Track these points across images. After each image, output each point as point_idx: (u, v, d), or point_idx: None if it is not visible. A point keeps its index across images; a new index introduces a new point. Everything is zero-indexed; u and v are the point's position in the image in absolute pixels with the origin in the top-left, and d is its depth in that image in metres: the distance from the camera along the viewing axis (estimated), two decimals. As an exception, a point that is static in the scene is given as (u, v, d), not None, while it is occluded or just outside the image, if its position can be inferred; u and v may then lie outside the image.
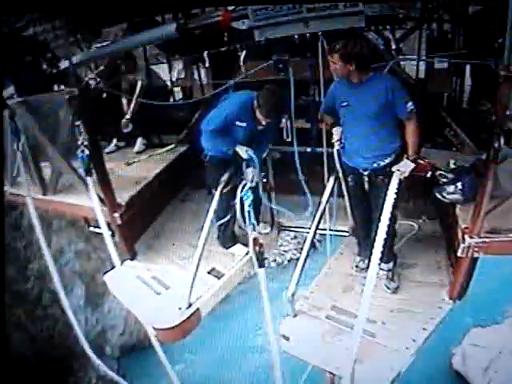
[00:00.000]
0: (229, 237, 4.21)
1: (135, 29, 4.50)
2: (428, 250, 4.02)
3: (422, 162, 3.28)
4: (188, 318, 3.65)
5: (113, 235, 4.19)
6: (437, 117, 4.44)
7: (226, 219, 4.04)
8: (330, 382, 3.62)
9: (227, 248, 4.22)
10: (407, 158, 3.24)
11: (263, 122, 3.71)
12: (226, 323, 9.07)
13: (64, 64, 4.46)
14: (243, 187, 3.62)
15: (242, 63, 4.57)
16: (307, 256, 3.57)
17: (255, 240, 3.63)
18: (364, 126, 3.32)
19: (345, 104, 3.34)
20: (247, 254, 4.12)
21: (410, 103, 3.19)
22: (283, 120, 4.65)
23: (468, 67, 4.94)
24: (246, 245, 4.08)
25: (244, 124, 3.71)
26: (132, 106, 5.29)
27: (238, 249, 4.20)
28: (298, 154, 4.08)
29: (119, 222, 4.12)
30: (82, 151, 3.81)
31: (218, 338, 8.92)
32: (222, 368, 8.51)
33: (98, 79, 5.35)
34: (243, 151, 3.73)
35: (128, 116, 5.28)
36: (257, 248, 3.64)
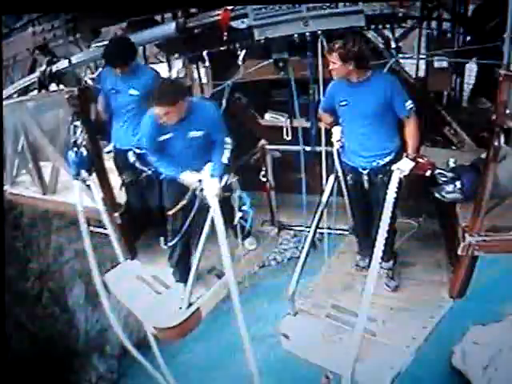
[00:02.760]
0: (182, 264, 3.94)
1: (134, 28, 4.49)
2: (428, 248, 4.02)
3: (421, 160, 3.26)
4: (188, 317, 3.66)
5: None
6: (436, 115, 4.43)
7: (175, 241, 3.79)
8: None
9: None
10: (407, 157, 3.21)
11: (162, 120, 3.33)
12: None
13: (63, 64, 4.46)
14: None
15: (241, 62, 4.56)
16: (307, 255, 3.57)
17: None
18: (363, 125, 3.31)
19: (344, 103, 3.33)
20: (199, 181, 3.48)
21: (410, 102, 3.18)
22: (283, 119, 4.66)
23: (468, 66, 4.93)
24: None
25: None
26: None
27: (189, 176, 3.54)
28: (298, 153, 4.06)
29: (119, 221, 4.12)
30: (80, 151, 3.81)
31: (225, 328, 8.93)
32: (228, 355, 8.46)
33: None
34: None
35: None
36: None
